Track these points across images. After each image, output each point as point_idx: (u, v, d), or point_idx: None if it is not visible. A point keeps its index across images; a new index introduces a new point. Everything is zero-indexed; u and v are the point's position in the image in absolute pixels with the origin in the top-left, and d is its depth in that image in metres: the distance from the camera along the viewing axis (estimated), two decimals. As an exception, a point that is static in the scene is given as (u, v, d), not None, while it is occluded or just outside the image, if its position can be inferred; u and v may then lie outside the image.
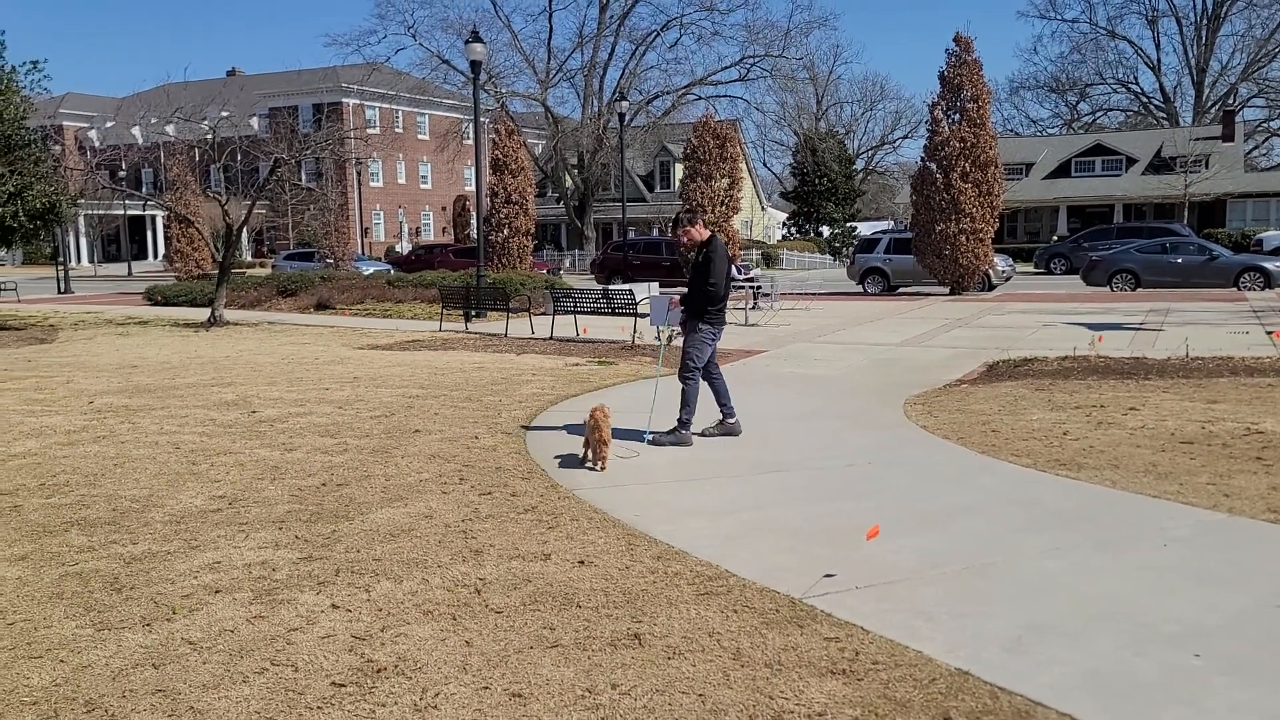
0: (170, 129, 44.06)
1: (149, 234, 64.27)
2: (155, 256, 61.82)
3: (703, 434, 7.79)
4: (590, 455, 6.84)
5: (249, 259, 55.59)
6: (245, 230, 44.42)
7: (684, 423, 7.64)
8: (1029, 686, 3.42)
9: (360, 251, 52.40)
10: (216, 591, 4.49)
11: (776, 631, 3.92)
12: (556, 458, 7.17)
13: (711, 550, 4.97)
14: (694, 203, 28.95)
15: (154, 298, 27.73)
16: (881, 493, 6.11)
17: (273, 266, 41.50)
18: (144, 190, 56.31)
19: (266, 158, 24.15)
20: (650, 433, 7.72)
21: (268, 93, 62.16)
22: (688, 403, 7.68)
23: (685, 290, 7.88)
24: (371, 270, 35.12)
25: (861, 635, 3.87)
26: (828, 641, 3.82)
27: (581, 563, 4.80)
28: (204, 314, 20.94)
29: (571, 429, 8.32)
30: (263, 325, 20.23)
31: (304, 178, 52.98)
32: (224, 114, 30.76)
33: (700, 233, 7.77)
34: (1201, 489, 5.87)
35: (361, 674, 3.61)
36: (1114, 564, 4.65)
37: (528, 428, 8.38)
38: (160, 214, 56.96)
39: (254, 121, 61.30)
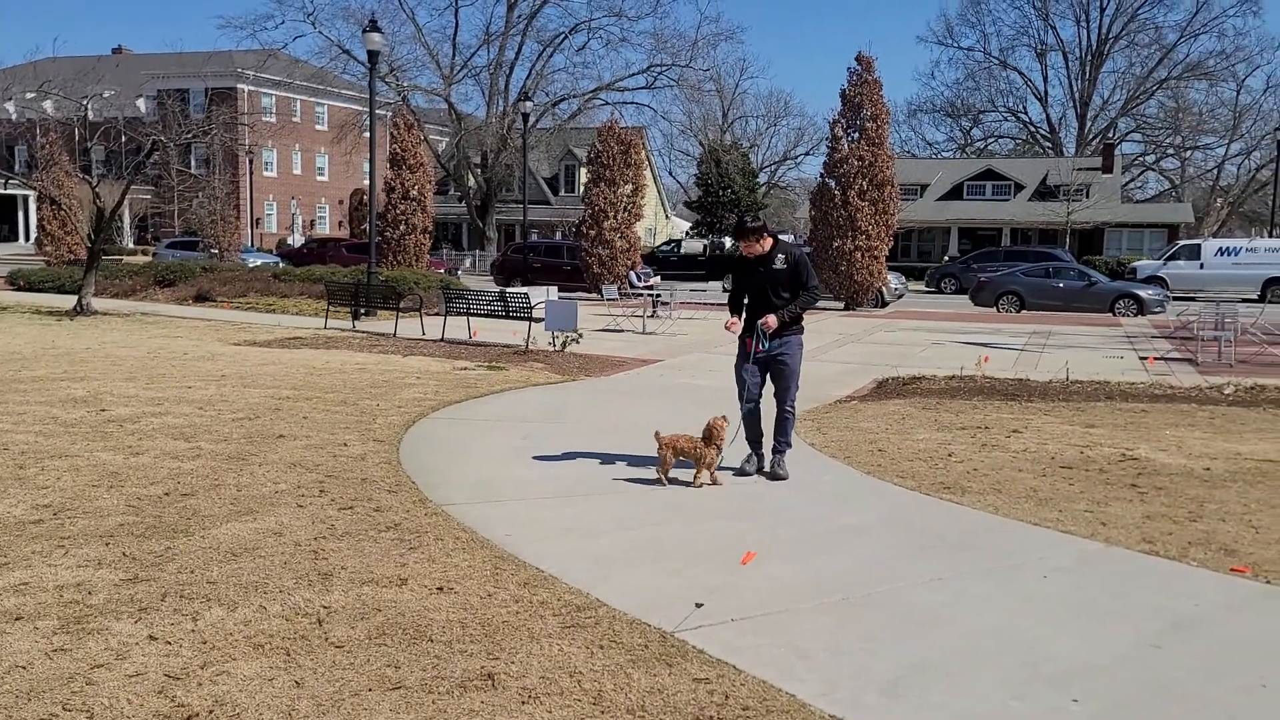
0: (48, 105, 41.66)
1: (20, 216, 60.68)
2: (27, 239, 58.41)
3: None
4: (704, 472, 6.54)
5: (130, 245, 52.97)
6: (127, 216, 42.21)
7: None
8: (906, 735, 3.20)
9: (250, 243, 50.54)
10: (17, 619, 3.97)
11: (643, 671, 3.62)
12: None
13: (583, 575, 4.66)
14: (597, 208, 28.70)
15: (17, 282, 26.01)
16: (764, 514, 5.89)
17: (153, 254, 39.62)
18: (16, 168, 53.11)
19: (149, 140, 22.92)
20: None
21: (156, 73, 59.35)
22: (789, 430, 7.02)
23: (768, 304, 6.78)
24: (258, 262, 33.80)
25: (734, 676, 3.60)
26: (697, 683, 3.54)
27: (440, 589, 4.42)
28: (71, 301, 19.69)
29: (451, 437, 7.91)
30: (134, 316, 19.12)
31: (193, 164, 50.82)
32: (106, 93, 29.21)
33: (766, 243, 6.85)
34: (1080, 516, 5.82)
35: (169, 720, 3.18)
36: (997, 595, 4.50)
37: (403, 435, 7.93)
38: (35, 195, 53.81)
39: (140, 103, 58.54)
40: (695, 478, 6.53)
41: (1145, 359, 14.37)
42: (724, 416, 6.61)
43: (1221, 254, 33.41)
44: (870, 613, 4.30)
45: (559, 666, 3.66)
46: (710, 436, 6.49)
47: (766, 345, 6.78)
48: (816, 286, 6.93)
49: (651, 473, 6.70)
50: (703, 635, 3.97)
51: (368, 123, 47.29)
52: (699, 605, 4.28)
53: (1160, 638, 3.99)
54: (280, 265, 33.34)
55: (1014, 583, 4.68)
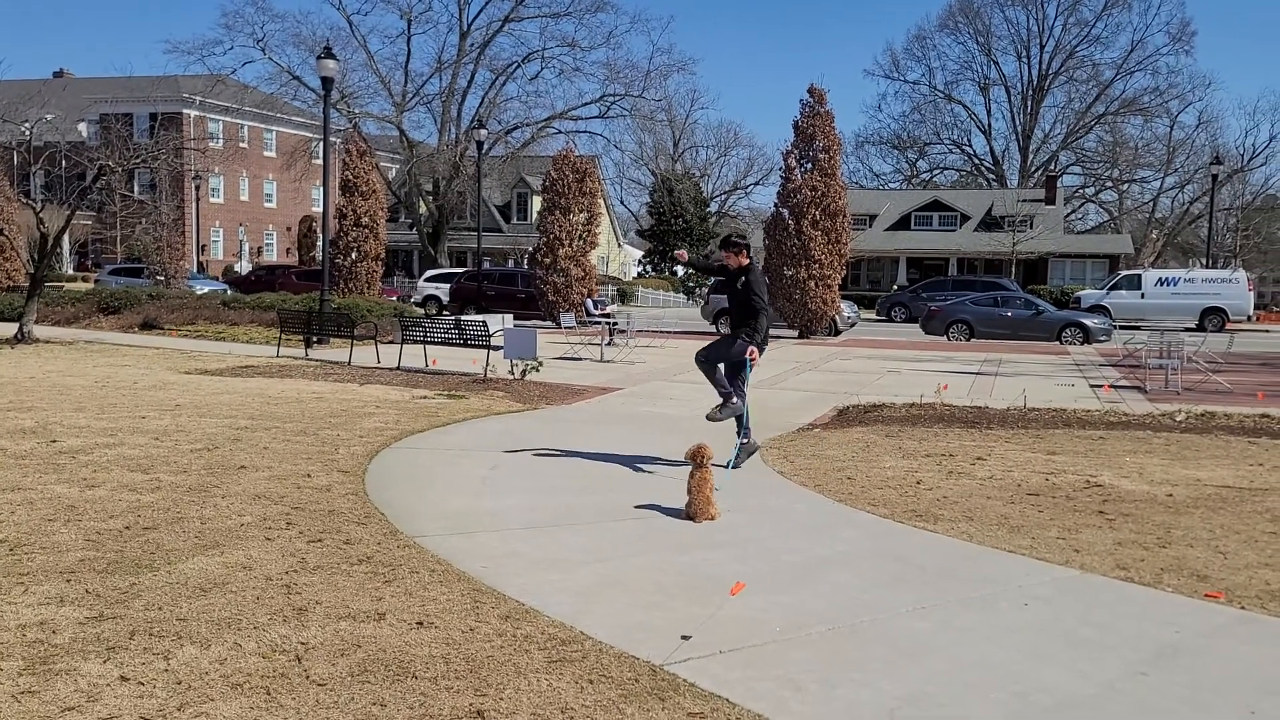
0: (-15, 128, 40.66)
1: (-45, 240, 59.02)
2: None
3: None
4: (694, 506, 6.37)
5: (70, 272, 51.77)
6: (67, 242, 41.35)
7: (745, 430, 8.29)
8: (907, 768, 3.17)
9: (195, 269, 49.65)
10: (-22, 661, 3.80)
11: (636, 706, 3.56)
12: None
13: (565, 608, 4.58)
14: (551, 235, 28.69)
15: (-47, 309, 25.26)
16: (743, 543, 5.86)
17: (96, 281, 38.74)
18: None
19: (93, 165, 22.47)
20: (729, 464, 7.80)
21: (99, 97, 58.33)
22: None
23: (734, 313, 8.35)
24: (206, 289, 33.22)
25: (728, 709, 3.55)
26: (691, 718, 3.48)
27: (420, 624, 4.32)
28: (11, 329, 19.15)
29: (417, 468, 7.78)
30: (79, 344, 18.65)
31: (136, 189, 49.91)
32: (48, 116, 28.60)
33: (743, 260, 8.18)
34: (1053, 544, 5.87)
35: (149, 766, 3.05)
36: (981, 624, 4.51)
37: (367, 466, 7.78)
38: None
39: (82, 127, 57.47)
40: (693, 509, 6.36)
41: (1101, 386, 14.65)
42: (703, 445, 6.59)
43: (1161, 284, 34.34)
44: (857, 643, 4.28)
45: (549, 703, 3.58)
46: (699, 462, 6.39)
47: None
48: (761, 308, 8.02)
49: (620, 503, 6.66)
50: (691, 668, 3.92)
51: (318, 150, 46.93)
52: (686, 638, 4.22)
53: (1145, 665, 4.02)
54: (229, 292, 32.80)
55: (995, 611, 4.70)
